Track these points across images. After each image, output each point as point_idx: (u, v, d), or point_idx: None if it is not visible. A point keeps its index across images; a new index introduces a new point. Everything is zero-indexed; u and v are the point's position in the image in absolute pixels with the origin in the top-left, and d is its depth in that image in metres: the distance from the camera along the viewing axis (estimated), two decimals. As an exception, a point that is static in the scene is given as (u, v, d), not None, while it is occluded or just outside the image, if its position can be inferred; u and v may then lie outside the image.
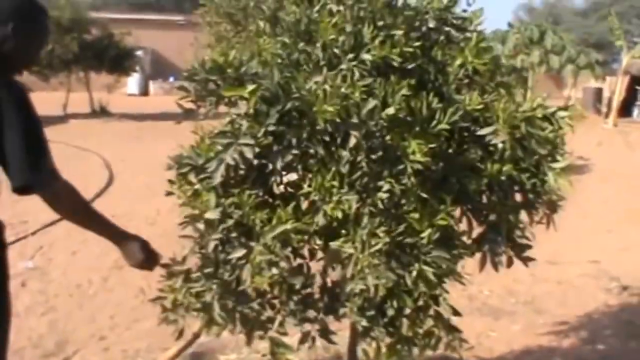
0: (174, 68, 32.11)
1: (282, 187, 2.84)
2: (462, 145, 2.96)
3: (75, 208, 2.62)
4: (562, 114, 2.87)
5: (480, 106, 2.83)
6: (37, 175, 2.43)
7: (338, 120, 2.51)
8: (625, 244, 8.33)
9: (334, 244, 2.68)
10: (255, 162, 2.70)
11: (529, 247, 3.03)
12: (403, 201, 2.59)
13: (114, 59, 21.28)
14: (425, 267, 2.53)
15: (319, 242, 2.76)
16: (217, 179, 2.63)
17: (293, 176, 2.88)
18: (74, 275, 6.49)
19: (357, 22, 2.90)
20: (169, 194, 3.00)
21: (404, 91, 2.60)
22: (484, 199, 2.95)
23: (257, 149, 2.60)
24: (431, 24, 3.04)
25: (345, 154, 2.58)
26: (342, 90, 2.53)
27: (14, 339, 4.16)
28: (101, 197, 9.91)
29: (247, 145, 2.57)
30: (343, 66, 2.78)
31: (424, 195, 2.64)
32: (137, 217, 8.59)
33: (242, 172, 2.75)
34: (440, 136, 2.68)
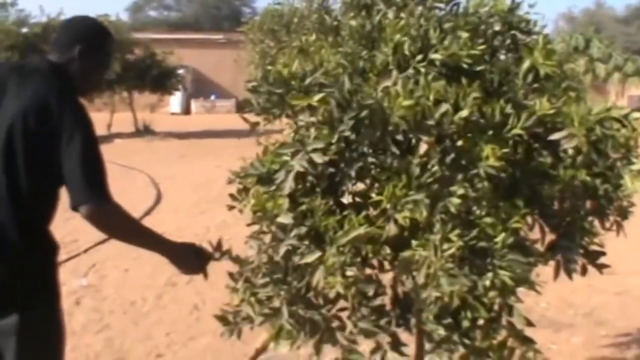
0: (215, 86, 32.41)
1: (350, 197, 2.79)
2: (529, 151, 2.89)
3: (125, 230, 2.63)
4: (635, 115, 2.78)
5: (552, 111, 2.76)
6: (92, 195, 2.45)
7: (411, 120, 2.46)
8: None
9: (405, 254, 2.62)
10: (325, 170, 2.66)
11: (603, 253, 2.94)
12: (474, 206, 2.53)
13: (156, 78, 21.50)
14: (500, 272, 2.45)
15: (388, 251, 2.70)
16: (287, 189, 2.59)
17: (359, 186, 2.83)
18: (127, 293, 6.51)
19: (423, 26, 2.86)
20: (231, 208, 2.97)
21: (476, 94, 2.54)
22: (555, 206, 2.88)
23: (326, 157, 2.56)
24: (496, 27, 2.99)
25: (416, 160, 2.53)
26: (414, 93, 2.48)
27: (71, 357, 4.16)
28: (149, 215, 9.96)
29: (316, 151, 2.53)
30: (410, 71, 2.73)
31: (496, 201, 2.57)
32: (187, 234, 8.60)
33: (310, 180, 2.71)
34: (511, 141, 2.61)
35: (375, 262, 2.80)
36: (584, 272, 2.89)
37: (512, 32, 3.03)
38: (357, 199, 2.80)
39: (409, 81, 2.60)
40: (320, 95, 2.58)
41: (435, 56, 2.74)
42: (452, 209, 2.44)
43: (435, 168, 2.50)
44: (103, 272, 7.20)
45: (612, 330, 5.64)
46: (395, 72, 2.70)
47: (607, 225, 2.99)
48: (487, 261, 2.48)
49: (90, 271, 7.22)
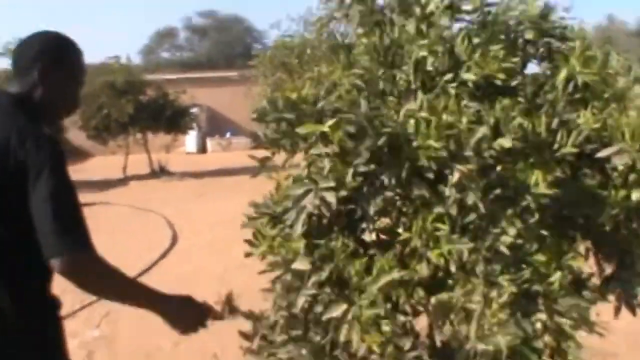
0: (230, 123, 32.24)
1: (373, 235, 2.45)
2: (574, 172, 2.55)
3: (107, 285, 2.17)
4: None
5: (597, 124, 2.43)
6: (66, 244, 2.04)
7: (443, 150, 2.12)
8: None
9: (440, 297, 2.28)
10: (342, 207, 2.32)
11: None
12: (520, 241, 2.17)
13: (170, 118, 21.30)
14: (558, 319, 2.10)
15: (422, 294, 2.36)
16: (299, 229, 2.27)
17: (383, 220, 2.50)
18: (142, 342, 6.14)
19: (449, 41, 2.53)
20: (248, 255, 2.65)
21: (519, 117, 2.20)
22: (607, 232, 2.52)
23: (343, 192, 2.23)
24: (528, 35, 2.65)
25: (450, 192, 2.19)
26: (445, 117, 2.14)
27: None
28: (165, 257, 9.64)
29: (328, 189, 2.20)
30: (436, 90, 2.40)
31: (544, 233, 2.23)
32: (204, 275, 8.27)
33: (326, 220, 2.38)
34: (562, 163, 2.27)
35: (407, 307, 2.45)
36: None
37: (546, 39, 2.69)
38: (382, 236, 2.47)
39: (437, 104, 2.27)
40: (333, 120, 2.26)
41: (469, 76, 2.40)
42: (504, 250, 2.09)
43: (476, 203, 2.14)
44: (117, 320, 6.83)
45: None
46: (420, 93, 2.37)
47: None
48: (539, 303, 2.13)
49: (104, 320, 6.86)
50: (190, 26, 50.44)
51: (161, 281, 7.96)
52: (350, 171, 2.18)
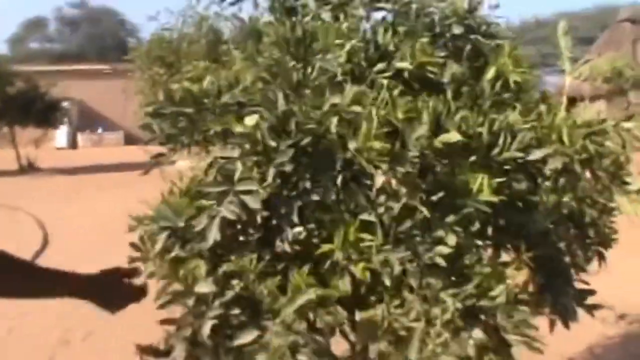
0: (102, 118, 31.19)
1: (287, 246, 2.18)
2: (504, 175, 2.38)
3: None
4: (627, 125, 2.31)
5: (527, 125, 2.26)
6: None
7: (380, 149, 1.88)
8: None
9: (365, 315, 2.05)
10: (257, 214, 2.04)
11: (592, 292, 2.44)
12: (460, 252, 1.96)
13: (40, 111, 20.26)
14: (506, 336, 1.90)
15: (342, 313, 2.10)
16: (210, 241, 1.97)
17: (297, 230, 2.22)
18: (12, 358, 5.62)
19: (368, 30, 2.30)
20: (133, 261, 2.33)
21: (463, 111, 1.99)
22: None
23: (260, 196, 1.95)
24: (456, 30, 2.46)
25: (381, 198, 1.95)
26: (376, 111, 1.89)
27: None
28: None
29: (248, 192, 1.92)
30: (367, 82, 2.15)
31: (482, 243, 2.03)
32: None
33: (238, 229, 2.09)
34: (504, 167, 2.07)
35: (323, 327, 2.19)
36: (574, 316, 2.38)
37: (473, 35, 2.51)
38: (296, 247, 2.20)
39: (366, 96, 2.03)
40: (254, 117, 1.98)
41: (403, 65, 2.17)
42: (440, 261, 1.87)
43: (416, 210, 1.91)
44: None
45: (554, 357, 5.24)
46: (349, 86, 2.11)
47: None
48: (486, 322, 1.92)
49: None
50: (61, 17, 48.65)
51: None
52: (272, 171, 1.90)
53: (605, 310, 6.24)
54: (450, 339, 1.88)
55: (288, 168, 1.92)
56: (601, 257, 2.54)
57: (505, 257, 2.25)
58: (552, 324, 2.29)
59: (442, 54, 2.32)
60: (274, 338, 1.89)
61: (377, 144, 1.85)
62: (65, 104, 22.41)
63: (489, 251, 2.17)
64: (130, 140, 28.82)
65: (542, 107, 2.46)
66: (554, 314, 2.26)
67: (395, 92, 2.04)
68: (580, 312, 6.21)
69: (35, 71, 23.20)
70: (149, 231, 2.23)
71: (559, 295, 2.25)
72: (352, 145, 1.92)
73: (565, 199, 2.28)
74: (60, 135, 28.98)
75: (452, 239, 1.89)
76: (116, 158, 21.48)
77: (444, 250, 1.88)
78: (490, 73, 2.39)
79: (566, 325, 2.28)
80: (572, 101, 26.00)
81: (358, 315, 2.07)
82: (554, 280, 2.26)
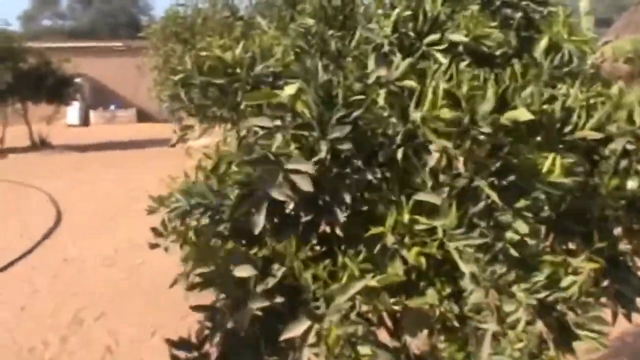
0: (114, 96, 31.01)
1: (337, 230, 2.00)
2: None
3: None
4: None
5: (583, 102, 2.07)
6: None
7: (447, 126, 1.69)
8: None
9: (414, 303, 1.88)
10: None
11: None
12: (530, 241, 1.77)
13: (52, 88, 20.06)
14: (577, 331, 1.74)
15: (390, 301, 1.92)
16: (259, 226, 1.79)
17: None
18: (24, 337, 5.49)
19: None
20: (154, 246, 2.18)
21: (531, 86, 1.80)
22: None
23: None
24: (505, -3, 2.27)
25: (446, 177, 1.77)
26: (444, 85, 1.71)
27: None
28: (49, 238, 8.87)
29: (298, 172, 1.73)
30: (417, 54, 1.97)
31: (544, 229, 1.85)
32: (92, 257, 7.61)
33: (281, 210, 1.91)
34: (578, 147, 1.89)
35: (371, 316, 2.03)
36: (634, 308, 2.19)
37: (524, 2, 2.32)
38: (340, 234, 2.03)
39: (426, 68, 1.84)
40: (294, 86, 1.80)
41: (458, 37, 1.99)
42: (513, 252, 1.69)
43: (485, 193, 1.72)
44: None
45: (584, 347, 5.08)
46: (398, 58, 1.92)
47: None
48: (558, 316, 1.75)
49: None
50: (73, -6, 48.43)
51: (44, 265, 7.31)
52: (325, 147, 1.72)
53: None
54: (518, 334, 1.71)
55: (346, 144, 1.73)
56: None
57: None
58: (614, 316, 2.12)
59: (494, 24, 2.13)
60: (331, 330, 1.71)
61: (445, 112, 1.67)
62: (77, 80, 22.24)
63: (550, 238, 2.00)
64: (142, 117, 28.71)
65: (598, 83, 2.28)
66: (617, 305, 2.09)
67: (461, 65, 1.86)
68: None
69: (47, 48, 23.01)
70: (179, 209, 2.07)
71: (622, 285, 2.07)
72: (415, 115, 1.74)
73: (629, 182, 2.09)
74: (73, 112, 28.84)
75: (522, 226, 1.71)
76: (129, 135, 21.35)
77: (515, 237, 1.71)
78: (543, 43, 2.21)
79: (628, 318, 2.11)
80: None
81: (408, 303, 1.89)
82: (615, 270, 2.08)
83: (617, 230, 2.24)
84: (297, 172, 1.71)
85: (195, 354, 1.97)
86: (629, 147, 2.15)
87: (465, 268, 1.72)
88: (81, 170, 15.50)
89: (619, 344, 5.11)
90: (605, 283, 2.06)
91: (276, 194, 1.72)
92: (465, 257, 1.71)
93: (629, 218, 2.15)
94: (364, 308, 1.94)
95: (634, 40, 15.65)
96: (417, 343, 1.98)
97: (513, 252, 1.69)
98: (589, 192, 2.09)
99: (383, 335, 2.13)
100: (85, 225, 9.47)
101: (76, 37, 36.71)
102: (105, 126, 28.92)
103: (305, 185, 1.69)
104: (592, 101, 2.06)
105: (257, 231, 1.76)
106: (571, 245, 2.08)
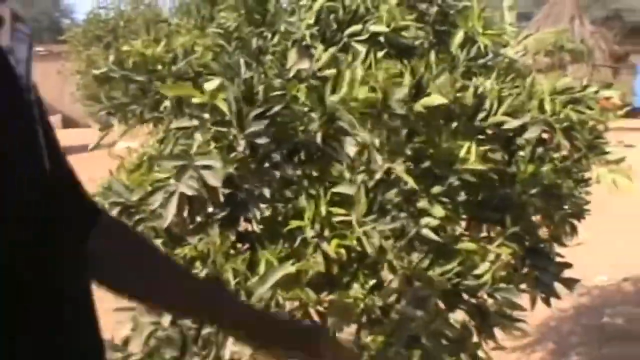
0: (38, 101, 30.46)
1: (255, 226, 2.01)
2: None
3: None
4: (607, 93, 2.20)
5: (504, 93, 2.13)
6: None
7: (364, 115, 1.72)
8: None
9: (338, 296, 1.90)
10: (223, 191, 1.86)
11: (568, 265, 2.32)
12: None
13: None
14: (497, 318, 1.78)
15: (312, 295, 1.93)
16: (168, 219, 1.78)
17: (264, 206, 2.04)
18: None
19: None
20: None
21: (444, 75, 1.84)
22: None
23: (225, 171, 1.77)
24: (420, -10, 2.30)
25: (359, 166, 1.80)
26: (361, 72, 1.73)
27: None
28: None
29: (208, 168, 1.74)
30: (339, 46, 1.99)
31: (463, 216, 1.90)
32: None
33: (198, 207, 1.91)
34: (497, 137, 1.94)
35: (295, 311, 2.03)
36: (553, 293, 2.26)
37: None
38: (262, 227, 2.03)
39: (344, 60, 1.86)
40: (214, 82, 1.79)
41: (379, 28, 2.01)
42: (428, 233, 1.72)
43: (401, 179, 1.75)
44: None
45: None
46: (320, 50, 1.94)
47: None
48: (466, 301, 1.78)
49: None
50: (-7, -2, 47.27)
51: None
52: (243, 143, 1.72)
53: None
54: (432, 321, 1.74)
55: (262, 139, 1.74)
56: (574, 229, 2.44)
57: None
58: (533, 301, 2.17)
59: (411, 17, 2.16)
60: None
61: (362, 91, 1.69)
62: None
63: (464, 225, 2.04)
64: (68, 123, 28.13)
65: (512, 74, 2.34)
66: (536, 291, 2.15)
67: (378, 54, 1.88)
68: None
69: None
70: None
71: (540, 270, 2.13)
72: (333, 97, 1.75)
73: (544, 169, 2.15)
74: None
75: (439, 211, 1.74)
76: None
77: (432, 222, 1.74)
78: (459, 37, 2.25)
79: (547, 303, 2.17)
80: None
81: (330, 296, 1.91)
82: (534, 256, 2.14)
83: (538, 218, 2.31)
84: (207, 168, 1.71)
85: (119, 355, 1.95)
86: (545, 136, 2.23)
87: (375, 254, 1.75)
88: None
89: (545, 329, 5.26)
90: (525, 270, 2.12)
91: (185, 189, 1.72)
92: (375, 243, 1.73)
93: (545, 205, 2.21)
94: (289, 306, 1.96)
95: (554, 33, 16.10)
96: (343, 337, 1.99)
97: (432, 236, 1.72)
98: (507, 180, 2.15)
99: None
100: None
101: (-4, 42, 35.82)
102: (30, 132, 28.40)
103: (214, 180, 1.70)
104: (505, 93, 2.11)
105: (163, 226, 1.76)
106: (493, 233, 2.13)
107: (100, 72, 2.14)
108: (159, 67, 2.14)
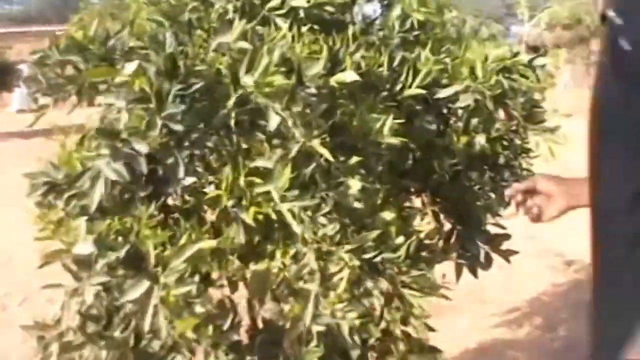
0: (63, 81, 30.69)
1: (176, 199, 2.05)
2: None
3: None
4: (541, 61, 2.18)
5: (438, 65, 2.12)
6: None
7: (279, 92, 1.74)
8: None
9: (258, 267, 1.93)
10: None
11: (507, 237, 2.32)
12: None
13: (-6, 74, 19.80)
14: (406, 291, 1.79)
15: (237, 265, 1.97)
16: (95, 201, 1.81)
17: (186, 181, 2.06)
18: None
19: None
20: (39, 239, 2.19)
21: (360, 50, 1.85)
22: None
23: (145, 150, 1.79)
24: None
25: (276, 141, 1.81)
26: (278, 49, 1.74)
27: None
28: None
29: (132, 153, 1.76)
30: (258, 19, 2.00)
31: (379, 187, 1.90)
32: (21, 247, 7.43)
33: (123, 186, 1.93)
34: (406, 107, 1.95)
35: (222, 280, 2.06)
36: (488, 264, 2.27)
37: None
38: (188, 198, 2.07)
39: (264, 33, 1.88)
40: (134, 63, 1.81)
41: (298, 3, 2.02)
42: (354, 203, 1.74)
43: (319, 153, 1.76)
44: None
45: (499, 308, 5.21)
46: (238, 23, 1.95)
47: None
48: (387, 276, 1.80)
49: None
50: (18, -20, 47.64)
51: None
52: (159, 124, 1.75)
53: (554, 257, 6.23)
54: (352, 294, 1.76)
55: (177, 125, 1.76)
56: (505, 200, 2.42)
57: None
58: (458, 272, 2.18)
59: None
60: (167, 290, 1.74)
61: (277, 78, 1.71)
62: (21, 66, 21.91)
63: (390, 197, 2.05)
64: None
65: (452, 47, 2.33)
66: (462, 261, 2.16)
67: (294, 30, 1.90)
68: (531, 261, 6.13)
69: (-9, 33, 22.63)
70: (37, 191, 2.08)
71: (466, 241, 2.14)
72: (247, 80, 1.77)
73: (478, 139, 2.15)
74: (19, 97, 28.43)
75: (355, 183, 1.76)
76: (80, 119, 21.03)
77: (351, 192, 1.75)
78: (396, 11, 2.26)
79: (474, 273, 2.17)
80: (535, 50, 25.94)
81: (251, 268, 1.94)
82: (462, 226, 2.15)
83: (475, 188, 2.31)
84: (132, 149, 1.74)
85: (54, 333, 2.01)
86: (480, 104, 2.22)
87: (298, 229, 1.77)
88: (25, 158, 15.24)
89: (537, 303, 5.27)
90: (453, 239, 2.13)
91: (110, 173, 1.75)
92: (298, 218, 1.75)
93: (479, 174, 2.21)
94: (215, 275, 1.99)
95: (571, 6, 15.88)
96: (267, 307, 2.02)
97: (355, 204, 1.74)
98: (439, 150, 2.15)
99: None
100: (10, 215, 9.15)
101: (24, 22, 36.16)
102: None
103: (138, 165, 1.73)
104: (440, 65, 2.11)
105: (93, 207, 1.79)
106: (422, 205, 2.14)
107: (37, 57, 2.17)
108: (91, 47, 2.15)
